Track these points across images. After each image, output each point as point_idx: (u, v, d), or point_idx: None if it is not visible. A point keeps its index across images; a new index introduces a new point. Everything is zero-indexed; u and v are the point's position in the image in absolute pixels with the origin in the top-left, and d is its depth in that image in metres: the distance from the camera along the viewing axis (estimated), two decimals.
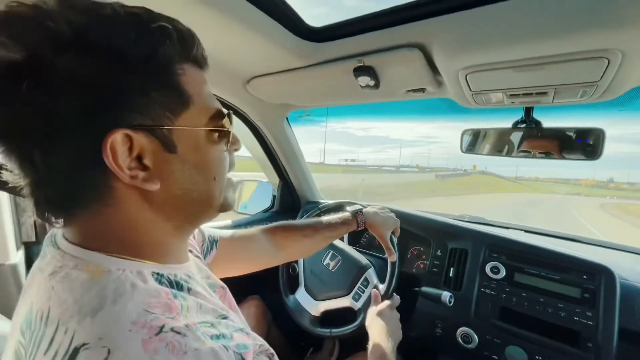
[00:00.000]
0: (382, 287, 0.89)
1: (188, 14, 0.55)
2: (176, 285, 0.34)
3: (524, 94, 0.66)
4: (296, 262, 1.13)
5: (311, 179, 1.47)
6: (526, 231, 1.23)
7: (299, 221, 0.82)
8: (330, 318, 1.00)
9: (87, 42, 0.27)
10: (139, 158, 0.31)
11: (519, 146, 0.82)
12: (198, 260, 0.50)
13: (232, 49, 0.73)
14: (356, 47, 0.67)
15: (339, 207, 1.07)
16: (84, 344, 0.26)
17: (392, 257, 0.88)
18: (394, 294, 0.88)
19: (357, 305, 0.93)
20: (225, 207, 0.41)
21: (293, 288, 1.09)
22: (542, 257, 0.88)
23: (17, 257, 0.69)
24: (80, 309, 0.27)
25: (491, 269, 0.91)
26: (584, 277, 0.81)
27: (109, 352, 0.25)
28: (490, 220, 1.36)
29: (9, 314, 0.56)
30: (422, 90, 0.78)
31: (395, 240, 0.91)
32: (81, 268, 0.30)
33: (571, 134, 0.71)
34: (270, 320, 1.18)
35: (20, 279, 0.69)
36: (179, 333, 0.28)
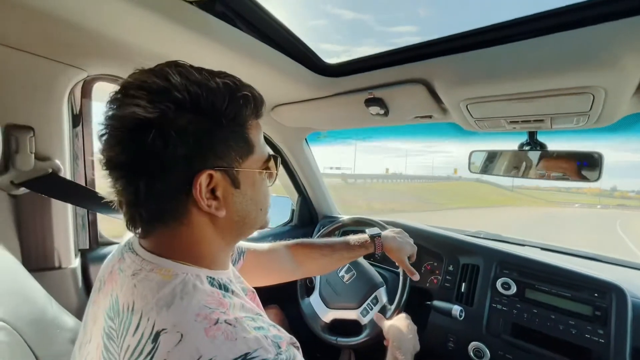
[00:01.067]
0: (390, 308, 0.94)
1: (218, 58, 0.67)
2: (224, 287, 0.43)
3: (522, 121, 0.72)
4: None
5: (328, 194, 1.56)
6: (542, 249, 1.24)
7: (319, 240, 0.89)
8: (338, 327, 1.05)
9: (199, 107, 0.38)
10: (213, 190, 0.41)
11: (523, 167, 0.87)
12: (233, 267, 0.59)
13: (259, 84, 0.83)
14: (367, 81, 0.76)
15: (356, 224, 1.13)
16: (163, 329, 0.35)
17: (415, 276, 0.89)
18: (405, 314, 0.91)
19: (364, 321, 0.98)
20: (263, 227, 0.51)
21: (309, 292, 1.17)
22: (553, 274, 0.90)
23: (76, 262, 0.81)
24: (157, 302, 0.37)
25: (502, 285, 0.93)
26: (595, 294, 0.82)
27: (182, 336, 0.34)
28: (506, 237, 1.37)
29: (70, 309, 0.67)
30: (429, 116, 0.85)
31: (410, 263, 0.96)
32: (156, 271, 0.40)
33: (572, 157, 0.75)
34: (287, 328, 1.25)
35: (77, 281, 0.81)
36: (230, 324, 0.36)
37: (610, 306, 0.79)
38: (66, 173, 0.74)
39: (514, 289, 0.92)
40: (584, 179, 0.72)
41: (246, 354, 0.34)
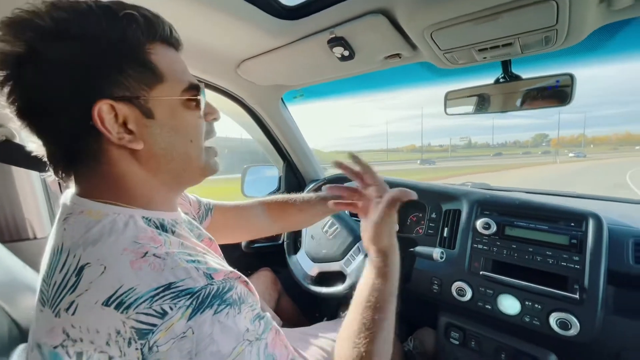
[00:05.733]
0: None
1: (172, 7, 0.63)
2: (161, 227, 0.42)
3: (491, 47, 0.69)
4: None
5: (313, 157, 1.54)
6: (527, 192, 1.24)
7: (295, 195, 0.88)
8: (325, 280, 1.09)
9: (69, 33, 0.35)
10: (125, 124, 0.39)
11: (500, 101, 0.84)
12: (190, 217, 0.58)
13: (217, 36, 0.80)
14: (326, 20, 0.72)
15: (338, 180, 1.13)
16: (87, 263, 0.34)
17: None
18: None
19: (347, 271, 1.01)
20: (207, 171, 0.47)
21: (296, 250, 1.20)
22: (531, 209, 0.90)
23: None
24: (85, 241, 0.36)
25: (483, 226, 0.94)
26: (572, 224, 0.83)
27: (105, 268, 0.34)
28: (493, 186, 1.38)
29: None
30: (398, 55, 0.81)
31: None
32: (86, 213, 0.39)
33: (544, 81, 0.72)
34: (280, 289, 1.28)
35: None
36: (159, 257, 0.35)
37: (586, 233, 0.80)
38: (22, 139, 0.72)
39: (494, 228, 0.92)
40: (558, 102, 0.70)
41: (170, 284, 0.33)
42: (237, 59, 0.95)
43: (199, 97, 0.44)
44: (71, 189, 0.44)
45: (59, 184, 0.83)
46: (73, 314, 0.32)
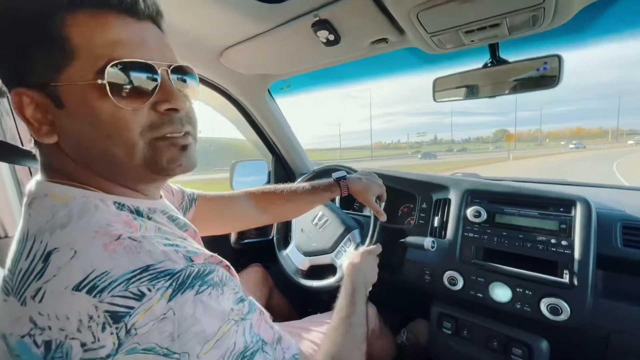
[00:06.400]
0: (363, 247, 0.94)
1: None
2: (137, 212, 0.39)
3: (478, 29, 0.67)
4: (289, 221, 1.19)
5: (302, 150, 1.51)
6: (517, 181, 1.24)
7: (283, 186, 0.87)
8: (316, 273, 1.06)
9: None
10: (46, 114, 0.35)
11: (489, 86, 0.83)
12: (170, 204, 0.55)
13: (196, 22, 0.76)
14: (309, 2, 0.69)
15: (327, 172, 1.11)
16: (55, 248, 0.31)
17: (382, 217, 0.90)
18: (378, 243, 0.92)
19: (338, 262, 0.99)
20: (153, 169, 0.37)
21: (286, 245, 1.17)
22: (521, 196, 0.90)
23: None
24: (52, 225, 0.33)
25: (473, 214, 0.93)
26: (561, 209, 0.83)
27: (75, 252, 0.31)
28: (482, 177, 1.38)
29: None
30: (385, 40, 0.79)
31: (381, 204, 0.94)
32: (50, 196, 0.36)
33: (532, 64, 0.71)
34: (271, 285, 1.25)
35: None
36: (135, 240, 0.33)
37: (575, 217, 0.79)
38: None
39: (484, 216, 0.92)
40: (547, 85, 0.69)
41: (148, 266, 0.31)
42: (219, 47, 0.92)
43: (121, 81, 0.33)
44: (38, 175, 0.41)
45: (31, 175, 0.79)
46: (40, 301, 0.30)
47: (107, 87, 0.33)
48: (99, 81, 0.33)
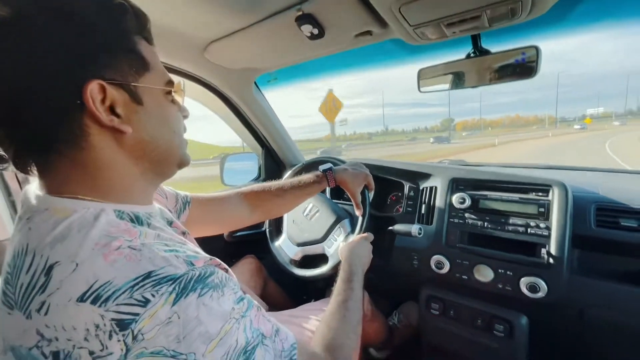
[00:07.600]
0: (352, 236, 0.96)
1: None
2: (136, 219, 0.40)
3: (459, 21, 0.68)
4: None
5: (292, 142, 1.52)
6: (502, 166, 1.29)
7: (271, 182, 0.89)
8: (309, 262, 1.10)
9: (58, 9, 0.34)
10: (112, 108, 0.37)
11: (473, 76, 0.85)
12: (166, 210, 0.56)
13: (179, 16, 0.75)
14: None
15: (316, 164, 1.12)
16: (56, 262, 0.32)
17: (359, 212, 0.94)
18: (369, 232, 0.95)
19: (330, 252, 1.02)
20: (184, 162, 0.49)
21: (278, 236, 1.20)
22: (503, 182, 0.93)
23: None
24: (52, 239, 0.34)
25: (458, 201, 0.97)
26: (540, 193, 0.87)
27: (76, 265, 0.32)
28: (468, 162, 1.42)
29: None
30: (369, 33, 0.80)
31: (369, 194, 0.97)
32: (52, 210, 0.36)
33: (511, 55, 0.73)
34: (266, 275, 1.28)
35: None
36: (134, 249, 0.34)
37: (552, 201, 0.84)
38: None
39: (468, 202, 0.95)
40: (525, 75, 0.71)
41: (150, 272, 0.32)
42: (203, 41, 0.90)
43: (182, 90, 0.48)
44: (33, 185, 0.41)
45: (18, 180, 0.78)
46: (46, 314, 0.31)
47: (173, 97, 0.46)
48: (169, 89, 0.44)
